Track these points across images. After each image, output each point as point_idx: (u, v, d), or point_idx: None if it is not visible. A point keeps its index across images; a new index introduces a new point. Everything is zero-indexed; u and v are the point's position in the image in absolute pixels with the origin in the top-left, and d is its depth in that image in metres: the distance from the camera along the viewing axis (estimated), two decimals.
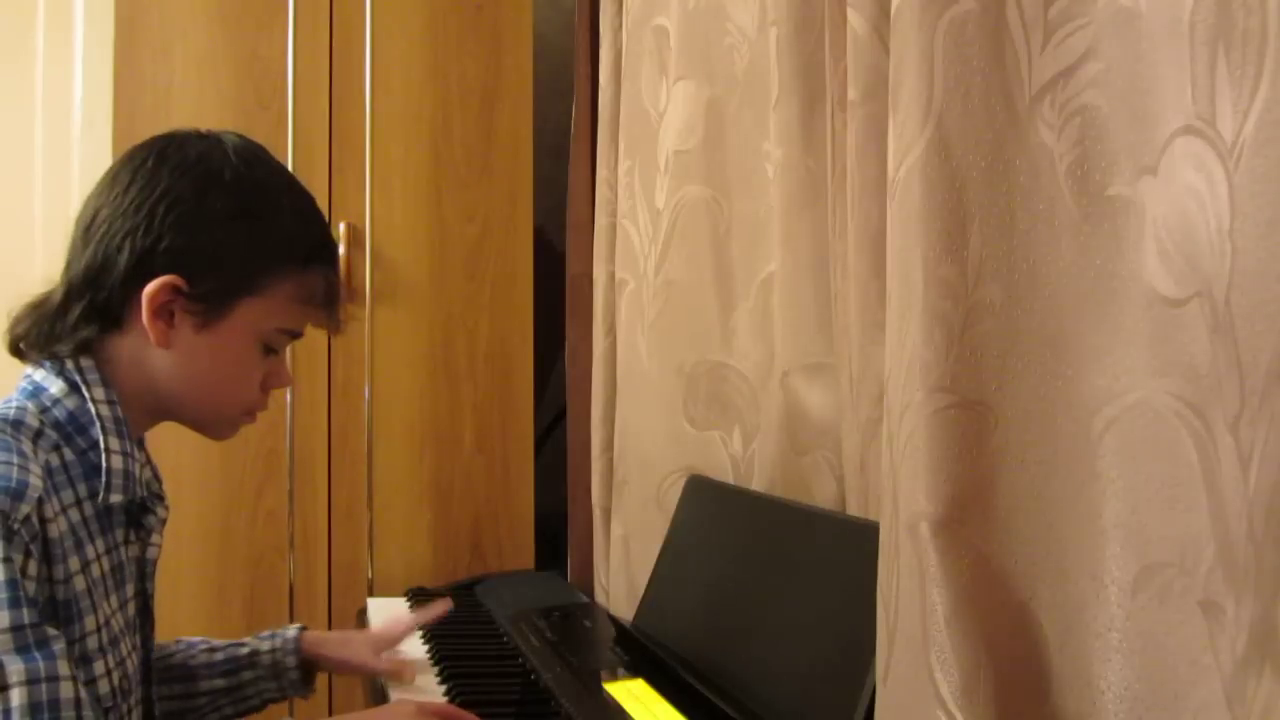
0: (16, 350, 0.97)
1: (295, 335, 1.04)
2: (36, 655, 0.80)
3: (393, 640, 1.32)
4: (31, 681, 0.79)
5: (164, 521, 1.03)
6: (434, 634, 1.50)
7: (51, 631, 0.82)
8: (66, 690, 0.80)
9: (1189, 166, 0.62)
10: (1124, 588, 0.68)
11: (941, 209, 0.77)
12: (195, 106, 1.85)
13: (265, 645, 1.23)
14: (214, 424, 1.04)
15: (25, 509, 0.82)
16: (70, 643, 0.85)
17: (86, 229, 0.96)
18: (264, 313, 0.98)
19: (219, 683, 1.19)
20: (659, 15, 1.61)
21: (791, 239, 1.22)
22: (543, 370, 2.09)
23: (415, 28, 1.95)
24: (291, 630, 1.26)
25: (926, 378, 0.76)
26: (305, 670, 1.25)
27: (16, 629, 0.79)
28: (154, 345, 0.95)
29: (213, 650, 1.22)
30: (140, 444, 1.04)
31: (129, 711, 0.94)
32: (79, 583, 0.87)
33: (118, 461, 0.93)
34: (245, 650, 1.22)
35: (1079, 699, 0.71)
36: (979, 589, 0.74)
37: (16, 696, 0.78)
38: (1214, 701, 0.61)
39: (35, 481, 0.84)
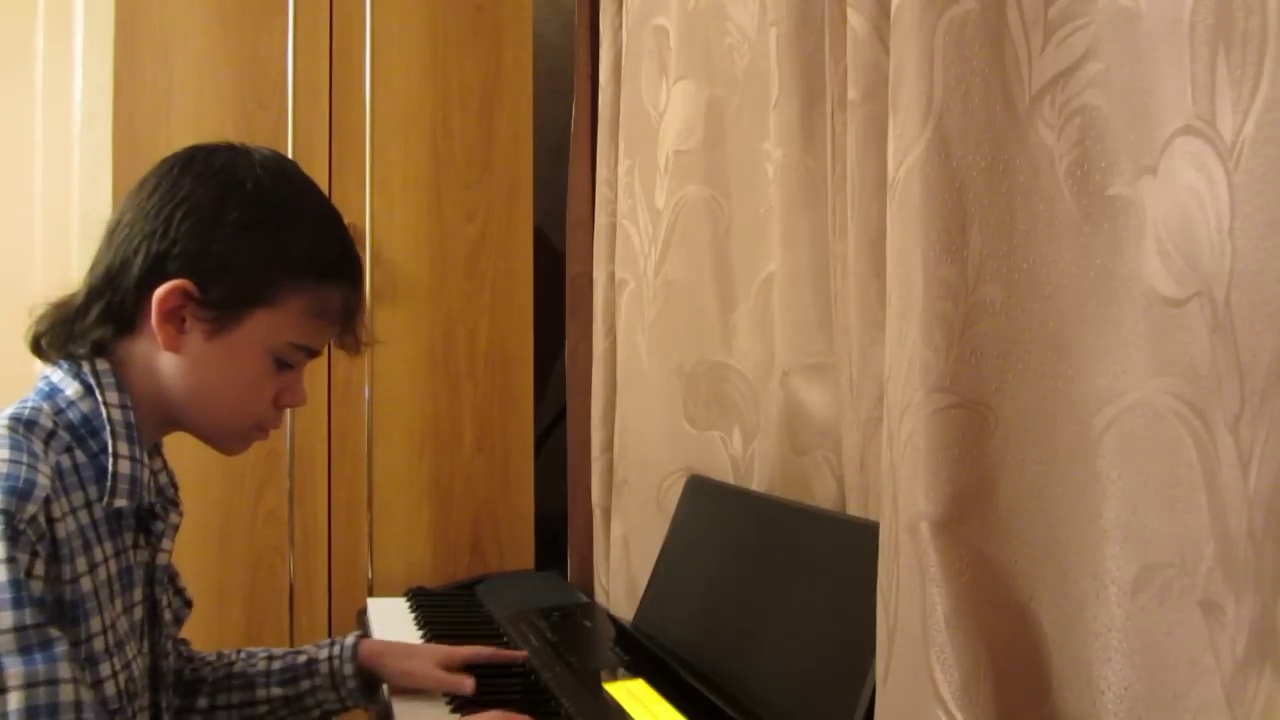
0: (38, 348, 0.98)
1: (312, 353, 1.02)
2: (37, 657, 0.79)
3: (459, 659, 1.27)
4: (30, 685, 0.78)
5: (176, 528, 1.03)
6: (434, 634, 1.50)
7: (54, 633, 0.81)
8: (66, 694, 0.80)
9: (1189, 166, 0.62)
10: (1124, 588, 0.68)
11: (941, 209, 0.77)
12: (195, 106, 1.85)
13: (323, 654, 1.22)
14: (222, 436, 1.02)
15: (32, 508, 0.82)
16: (77, 644, 0.85)
17: (111, 232, 0.97)
18: (277, 325, 0.97)
19: (277, 691, 1.19)
20: (659, 15, 1.61)
21: (791, 239, 1.22)
22: (543, 370, 2.09)
23: (415, 28, 1.95)
24: (350, 638, 1.24)
25: (926, 378, 0.76)
26: (365, 680, 1.22)
27: (19, 629, 0.79)
28: (163, 350, 0.95)
29: (271, 658, 1.21)
30: (157, 449, 1.04)
31: (134, 716, 0.94)
32: (86, 584, 0.87)
33: (125, 466, 0.93)
34: (303, 659, 1.21)
35: (1079, 699, 0.71)
36: (979, 589, 0.74)
37: (14, 700, 0.77)
38: (1214, 701, 0.61)
39: (43, 481, 0.84)
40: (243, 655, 1.22)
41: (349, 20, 1.92)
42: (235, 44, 1.87)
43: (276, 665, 1.21)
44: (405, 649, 1.28)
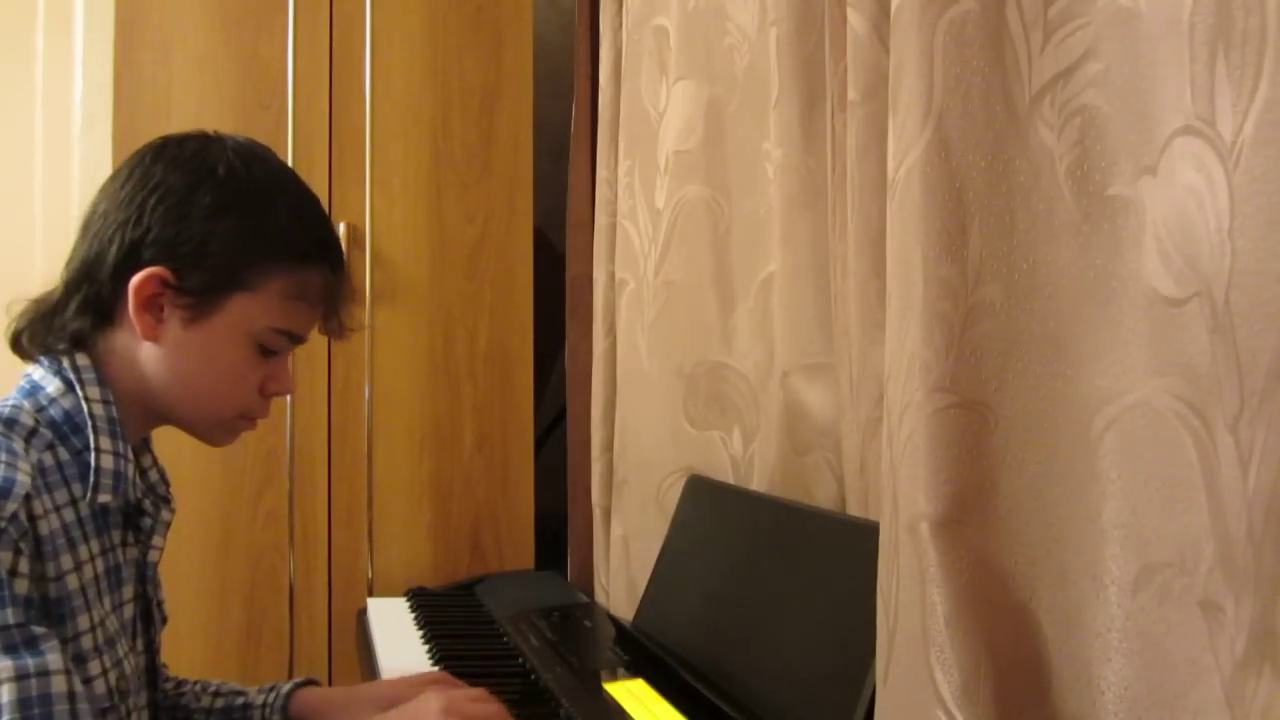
0: (17, 345, 0.97)
1: (296, 339, 1.01)
2: (25, 654, 0.79)
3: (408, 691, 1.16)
4: (21, 677, 0.78)
5: (168, 525, 1.02)
6: (434, 634, 1.50)
7: (39, 630, 0.81)
8: (59, 684, 0.80)
9: (1188, 166, 0.62)
10: (1124, 588, 0.68)
11: (941, 209, 0.77)
12: (195, 106, 1.85)
13: (259, 699, 1.16)
14: (208, 427, 1.01)
15: (12, 506, 0.81)
16: (64, 641, 0.85)
17: (86, 224, 0.96)
18: (256, 310, 0.96)
19: None
20: (659, 15, 1.61)
21: (791, 239, 1.22)
22: (543, 370, 2.09)
23: (415, 28, 1.95)
24: (287, 686, 1.17)
25: (926, 378, 0.76)
26: None
27: (2, 629, 0.79)
28: (142, 339, 0.94)
29: (217, 695, 1.17)
30: (146, 445, 1.04)
31: (129, 714, 0.93)
32: (71, 582, 0.87)
33: (108, 461, 0.92)
34: (240, 701, 1.17)
35: (1079, 699, 0.71)
36: (979, 589, 0.74)
37: (6, 692, 0.77)
38: (1213, 701, 0.61)
39: (22, 479, 0.84)
40: (196, 688, 1.17)
41: (349, 20, 1.92)
42: (235, 44, 1.87)
43: (218, 705, 1.16)
44: (345, 698, 1.17)
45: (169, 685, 1.17)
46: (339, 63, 1.91)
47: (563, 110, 2.05)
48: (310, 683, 1.20)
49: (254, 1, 1.88)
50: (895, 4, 0.82)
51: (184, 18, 1.85)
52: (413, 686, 1.17)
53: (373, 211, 1.92)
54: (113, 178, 0.97)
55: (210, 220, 0.94)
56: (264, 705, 1.16)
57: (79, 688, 0.82)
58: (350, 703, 1.16)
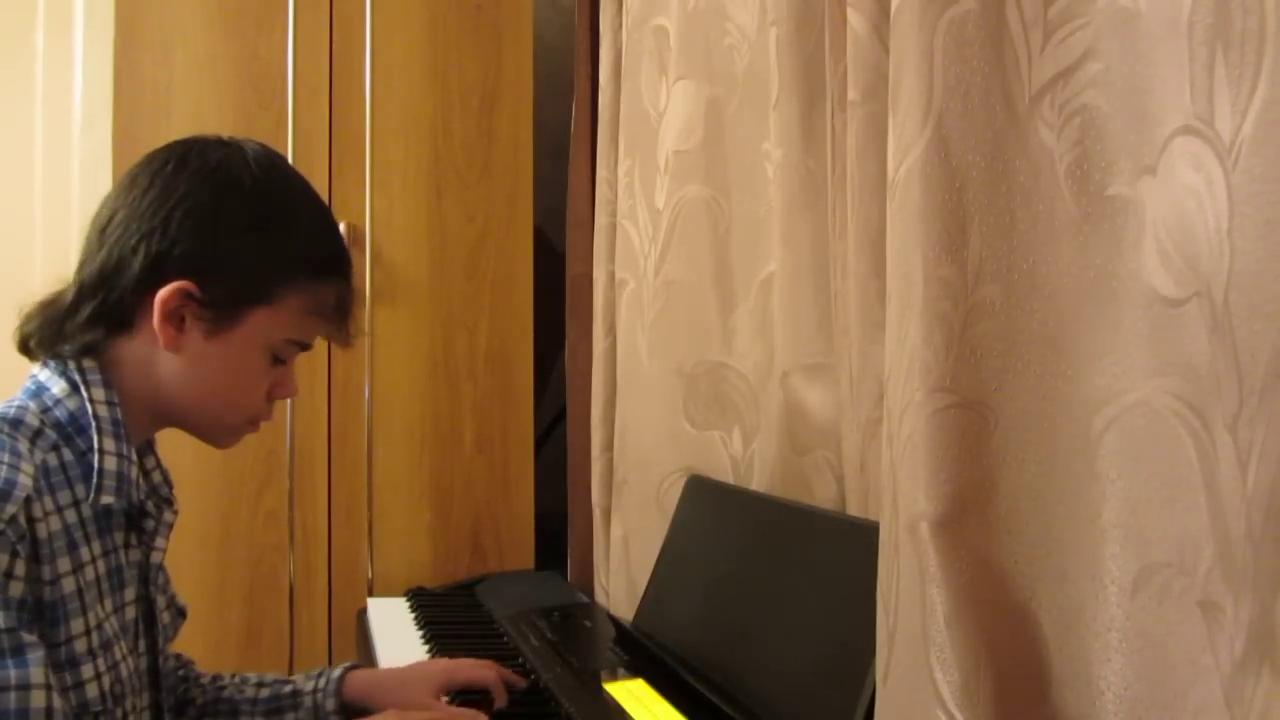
0: (25, 347, 0.97)
1: (304, 347, 1.03)
2: (9, 662, 0.79)
3: (460, 680, 1.20)
4: (0, 689, 0.78)
5: (170, 526, 1.03)
6: (434, 634, 1.50)
7: (29, 638, 0.81)
8: (38, 700, 0.80)
9: (1188, 166, 0.63)
10: (1123, 588, 0.68)
11: (941, 209, 0.77)
12: (195, 106, 1.85)
13: (309, 685, 1.17)
14: (217, 432, 1.02)
15: (11, 509, 0.82)
16: (56, 645, 0.85)
17: (102, 230, 0.96)
18: (275, 323, 0.97)
19: None
20: (659, 15, 1.61)
21: (791, 239, 1.22)
22: (543, 370, 2.09)
23: (415, 28, 1.95)
24: (338, 670, 1.19)
25: (926, 378, 0.76)
26: (353, 714, 1.16)
27: None
28: (163, 350, 0.95)
29: (260, 686, 1.18)
30: (150, 447, 1.04)
31: (126, 716, 0.93)
32: (68, 584, 0.87)
33: (111, 463, 0.92)
34: (289, 689, 1.18)
35: (1079, 699, 0.71)
36: (979, 589, 0.74)
37: None
38: (1213, 701, 0.61)
39: (24, 481, 0.84)
40: (236, 680, 1.19)
41: (349, 20, 1.92)
42: (235, 44, 1.87)
43: (264, 694, 1.17)
44: (398, 678, 1.20)
45: (205, 680, 1.18)
46: (339, 63, 1.91)
47: (563, 110, 2.05)
48: (355, 666, 1.21)
49: (254, 1, 1.88)
50: (895, 4, 0.82)
51: (184, 18, 1.85)
52: (461, 669, 1.20)
53: (373, 211, 1.92)
54: (131, 185, 0.96)
55: (236, 235, 0.95)
56: (315, 690, 1.17)
57: (57, 704, 0.82)
58: (402, 684, 1.18)
